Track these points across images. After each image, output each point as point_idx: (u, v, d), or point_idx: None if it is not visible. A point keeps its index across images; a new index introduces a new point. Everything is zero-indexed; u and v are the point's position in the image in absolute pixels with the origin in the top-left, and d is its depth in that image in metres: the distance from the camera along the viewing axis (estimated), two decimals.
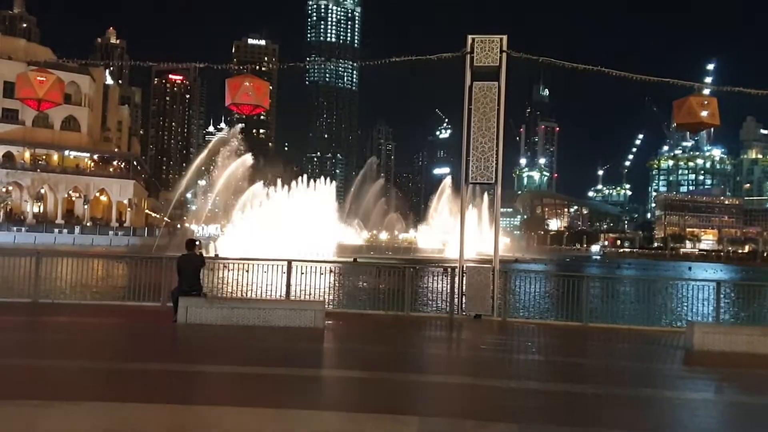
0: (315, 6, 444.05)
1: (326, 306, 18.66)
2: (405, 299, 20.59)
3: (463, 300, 20.40)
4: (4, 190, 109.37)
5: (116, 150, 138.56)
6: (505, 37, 20.92)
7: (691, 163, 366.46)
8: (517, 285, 22.15)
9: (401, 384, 11.88)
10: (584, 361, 15.79)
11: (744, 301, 21.93)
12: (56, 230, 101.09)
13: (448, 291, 20.94)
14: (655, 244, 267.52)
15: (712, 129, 32.55)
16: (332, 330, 17.20)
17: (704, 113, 23.11)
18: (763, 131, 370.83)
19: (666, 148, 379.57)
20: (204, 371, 12.36)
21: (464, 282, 20.41)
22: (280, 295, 20.29)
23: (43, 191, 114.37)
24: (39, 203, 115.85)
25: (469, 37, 21.00)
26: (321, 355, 14.74)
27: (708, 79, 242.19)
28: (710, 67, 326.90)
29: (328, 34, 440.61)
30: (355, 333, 17.92)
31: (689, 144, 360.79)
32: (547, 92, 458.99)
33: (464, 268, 20.59)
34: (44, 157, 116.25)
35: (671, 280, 30.07)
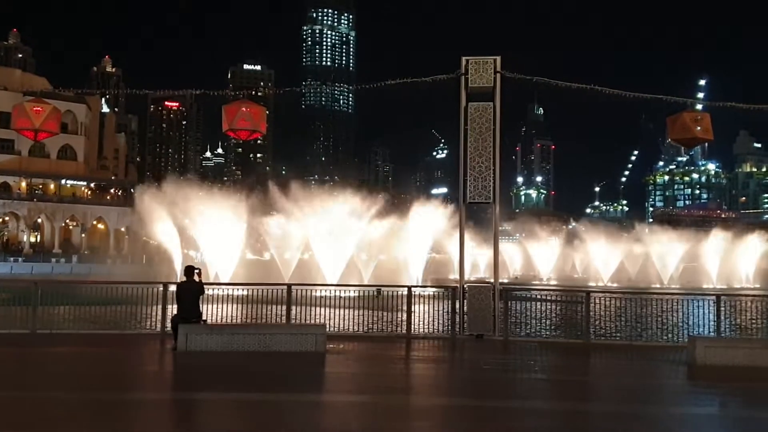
0: (310, 31, 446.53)
1: (327, 329, 18.58)
2: (407, 321, 20.53)
3: (465, 320, 20.35)
4: (0, 220, 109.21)
5: (113, 178, 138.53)
6: (498, 58, 21.07)
7: (686, 178, 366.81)
8: (518, 304, 22.12)
9: (405, 408, 11.82)
10: (588, 379, 15.75)
11: (745, 314, 21.87)
12: (53, 260, 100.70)
13: (449, 311, 20.88)
14: None
15: (706, 144, 32.95)
16: (334, 354, 17.13)
17: (698, 128, 23.26)
18: (756, 145, 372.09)
19: (661, 163, 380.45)
20: (205, 399, 12.29)
21: (465, 302, 20.38)
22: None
23: (39, 221, 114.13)
24: (36, 233, 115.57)
25: (464, 58, 21.15)
26: (323, 380, 14.67)
27: (700, 95, 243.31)
28: (702, 82, 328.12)
29: (324, 59, 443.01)
30: (357, 357, 17.84)
31: (684, 159, 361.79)
32: (541, 111, 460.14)
33: (465, 288, 20.56)
34: (41, 186, 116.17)
35: (671, 294, 30.04)
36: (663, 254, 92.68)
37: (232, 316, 21.10)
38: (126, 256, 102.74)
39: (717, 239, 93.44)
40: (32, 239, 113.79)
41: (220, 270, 53.34)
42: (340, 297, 23.14)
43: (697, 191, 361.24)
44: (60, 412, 10.89)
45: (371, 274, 56.49)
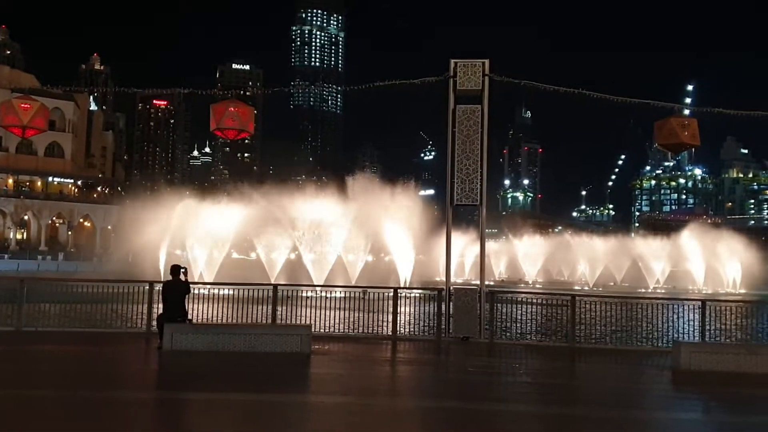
0: (299, 31, 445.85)
1: (313, 330, 18.57)
2: (392, 322, 20.53)
3: (451, 322, 20.37)
4: None
5: (100, 176, 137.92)
6: (486, 61, 21.11)
7: (673, 183, 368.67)
8: (504, 306, 22.14)
9: (388, 409, 11.82)
10: (573, 382, 15.79)
11: (730, 320, 21.99)
12: (40, 257, 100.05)
13: (435, 313, 20.89)
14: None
15: (693, 149, 33.13)
16: (319, 355, 17.11)
17: (685, 134, 23.39)
18: (743, 151, 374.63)
19: (648, 168, 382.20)
20: (189, 399, 12.25)
21: (451, 304, 20.40)
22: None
23: (26, 218, 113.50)
24: (22, 230, 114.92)
25: (452, 61, 21.18)
26: (307, 380, 14.63)
27: (688, 100, 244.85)
28: (690, 88, 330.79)
29: (313, 59, 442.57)
30: (342, 358, 17.82)
31: (671, 164, 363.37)
32: (529, 114, 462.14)
33: (451, 291, 20.59)
34: (28, 183, 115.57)
35: (656, 299, 30.17)
36: (649, 259, 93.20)
37: (217, 316, 21.05)
38: (112, 254, 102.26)
39: (701, 242, 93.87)
40: (18, 236, 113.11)
41: (205, 270, 53.14)
42: (326, 298, 23.11)
43: (684, 196, 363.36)
44: (43, 410, 10.82)
45: (358, 275, 56.35)
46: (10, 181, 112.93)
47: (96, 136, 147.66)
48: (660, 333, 21.19)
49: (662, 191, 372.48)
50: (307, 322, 20.61)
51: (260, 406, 11.54)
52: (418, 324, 22.14)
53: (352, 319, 21.27)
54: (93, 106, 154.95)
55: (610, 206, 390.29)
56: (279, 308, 20.45)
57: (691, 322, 20.90)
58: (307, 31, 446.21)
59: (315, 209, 56.46)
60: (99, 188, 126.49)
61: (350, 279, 54.52)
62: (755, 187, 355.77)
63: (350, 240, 57.87)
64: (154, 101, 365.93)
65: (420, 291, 26.18)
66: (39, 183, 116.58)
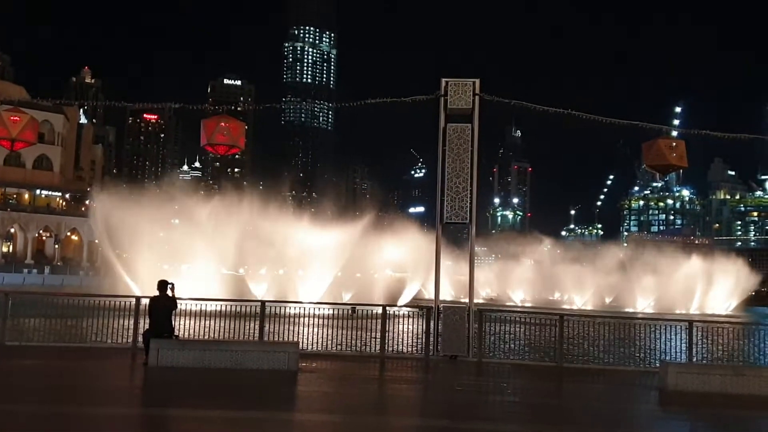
0: (291, 48, 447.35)
1: (300, 347, 18.47)
2: (381, 340, 20.46)
3: (439, 341, 20.31)
4: None
5: (89, 189, 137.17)
6: (477, 81, 21.21)
7: (661, 204, 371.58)
8: (492, 325, 22.11)
9: (374, 428, 11.76)
10: (561, 402, 15.77)
11: (717, 341, 22.05)
12: (25, 270, 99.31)
13: (424, 331, 20.83)
14: None
15: (681, 170, 33.24)
16: (306, 372, 17.02)
17: (672, 155, 23.57)
18: (730, 172, 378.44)
19: (636, 188, 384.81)
20: (174, 415, 12.14)
21: (440, 323, 20.34)
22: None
23: (12, 230, 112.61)
24: (8, 243, 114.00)
25: (443, 80, 21.26)
26: (295, 398, 14.55)
27: (676, 122, 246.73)
28: (678, 110, 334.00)
29: (304, 75, 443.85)
30: (330, 375, 17.73)
31: (659, 184, 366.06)
32: (519, 133, 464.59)
33: (440, 309, 20.54)
34: (15, 195, 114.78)
35: (644, 319, 30.25)
36: (637, 279, 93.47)
37: (204, 332, 20.91)
38: (99, 268, 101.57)
39: (692, 265, 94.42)
40: (4, 249, 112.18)
41: (185, 286, 52.51)
42: (315, 315, 23.01)
43: (672, 217, 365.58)
44: (26, 426, 10.69)
45: (352, 293, 56.28)
46: None
47: (85, 150, 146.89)
48: (647, 353, 21.21)
49: (650, 212, 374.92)
50: (295, 339, 20.50)
51: (245, 424, 11.45)
52: (407, 342, 22.06)
53: (340, 337, 21.17)
54: (83, 119, 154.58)
55: (599, 226, 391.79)
56: (266, 325, 20.34)
57: (679, 343, 20.92)
58: (299, 48, 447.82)
59: (303, 233, 56.54)
60: (87, 201, 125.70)
61: (341, 295, 54.40)
62: (742, 208, 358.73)
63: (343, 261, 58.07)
64: (145, 115, 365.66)
65: (409, 309, 26.11)
66: (26, 195, 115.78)
